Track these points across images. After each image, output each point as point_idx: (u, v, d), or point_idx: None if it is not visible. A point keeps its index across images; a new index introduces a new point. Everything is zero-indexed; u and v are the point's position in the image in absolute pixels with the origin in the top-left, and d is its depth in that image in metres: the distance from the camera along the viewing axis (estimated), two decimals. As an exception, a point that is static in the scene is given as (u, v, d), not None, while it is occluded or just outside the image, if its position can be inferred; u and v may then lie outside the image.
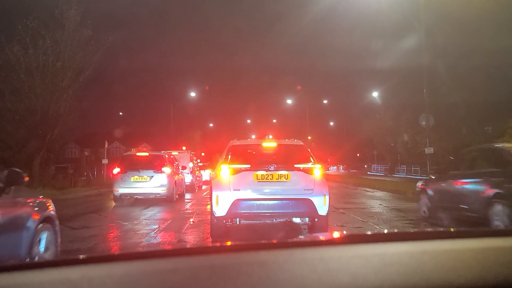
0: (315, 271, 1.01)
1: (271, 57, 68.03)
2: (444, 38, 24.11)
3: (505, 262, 1.09)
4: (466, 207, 6.49)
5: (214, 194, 5.66)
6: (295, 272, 1.01)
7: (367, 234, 1.95)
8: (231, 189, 5.64)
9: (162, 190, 11.67)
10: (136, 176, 11.67)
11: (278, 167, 5.77)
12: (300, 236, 4.88)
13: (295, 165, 5.83)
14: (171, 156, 14.07)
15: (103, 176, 23.70)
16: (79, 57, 19.24)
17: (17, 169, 3.41)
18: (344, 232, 5.75)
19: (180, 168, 14.24)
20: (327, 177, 6.37)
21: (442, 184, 7.49)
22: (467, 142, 24.52)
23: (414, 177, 29.36)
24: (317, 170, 5.83)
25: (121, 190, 11.62)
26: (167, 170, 11.99)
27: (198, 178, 19.45)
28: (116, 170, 12.00)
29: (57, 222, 4.03)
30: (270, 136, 6.79)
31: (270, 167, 5.74)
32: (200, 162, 25.37)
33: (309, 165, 5.87)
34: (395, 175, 38.46)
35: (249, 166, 5.81)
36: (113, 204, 11.76)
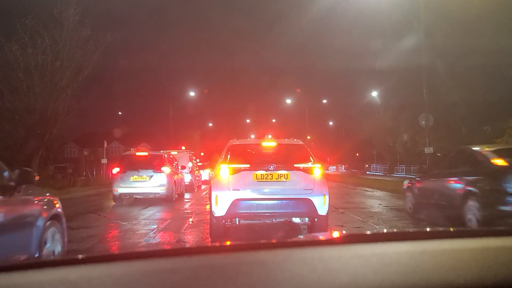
0: (314, 270, 1.01)
1: (271, 57, 68.10)
2: (444, 37, 24.12)
3: (504, 262, 1.09)
4: (444, 203, 7.08)
5: (214, 194, 5.64)
6: (294, 271, 1.01)
7: (366, 234, 1.95)
8: (231, 189, 5.62)
9: (161, 190, 11.68)
10: (135, 176, 11.67)
11: (278, 166, 5.75)
12: (299, 236, 4.88)
13: (295, 165, 5.80)
14: (171, 156, 14.07)
15: (102, 176, 23.70)
16: (78, 56, 19.22)
17: (28, 169, 3.57)
18: (344, 232, 5.75)
19: (179, 167, 14.25)
20: (326, 177, 6.37)
21: (425, 183, 8.19)
22: (467, 141, 24.52)
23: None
24: (317, 170, 5.81)
25: (120, 189, 11.62)
26: (166, 169, 11.99)
27: (197, 178, 19.46)
28: (115, 170, 12.00)
29: (64, 219, 4.17)
30: (270, 136, 6.77)
31: (270, 167, 5.72)
32: (200, 161, 25.37)
33: (309, 164, 5.84)
34: (394, 175, 38.48)
35: (248, 165, 5.79)
36: (112, 204, 11.76)
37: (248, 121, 56.17)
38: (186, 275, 1.02)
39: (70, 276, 1.01)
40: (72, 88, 19.63)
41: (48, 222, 3.77)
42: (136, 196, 11.99)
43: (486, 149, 6.77)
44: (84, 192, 17.65)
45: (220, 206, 5.57)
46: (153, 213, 9.55)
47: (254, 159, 6.07)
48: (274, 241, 1.24)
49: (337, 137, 58.69)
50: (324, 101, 50.96)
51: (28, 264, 1.10)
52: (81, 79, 19.75)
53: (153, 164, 12.03)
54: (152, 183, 11.69)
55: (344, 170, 60.92)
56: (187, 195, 14.72)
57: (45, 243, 3.71)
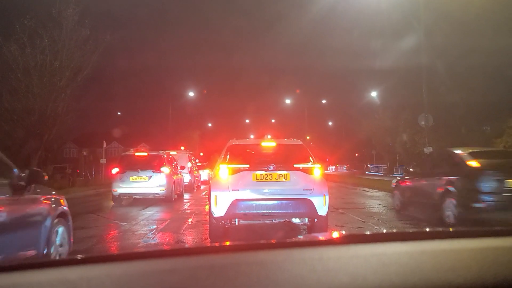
0: (314, 271, 1.01)
1: (271, 57, 68.09)
2: (444, 37, 24.09)
3: (504, 262, 1.09)
4: (426, 201, 7.73)
5: (213, 194, 5.63)
6: (294, 272, 1.01)
7: (366, 234, 1.95)
8: (230, 189, 5.61)
9: (160, 190, 11.67)
10: (134, 176, 11.66)
11: (277, 167, 5.73)
12: (299, 236, 4.88)
13: (295, 165, 5.79)
14: (170, 156, 14.07)
15: (101, 176, 23.67)
16: (77, 56, 19.17)
17: (38, 169, 3.74)
18: (343, 232, 5.75)
19: (178, 168, 14.25)
20: (325, 177, 6.36)
21: (411, 182, 8.94)
22: (466, 141, 24.55)
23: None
24: (317, 170, 5.79)
25: (120, 190, 11.61)
26: (165, 170, 11.98)
27: (196, 178, 19.46)
28: (115, 170, 11.98)
29: (70, 217, 4.29)
30: (269, 136, 6.76)
31: (269, 167, 5.71)
32: (199, 162, 25.38)
33: (309, 165, 5.83)
34: (393, 175, 38.47)
35: (248, 166, 5.78)
36: (112, 204, 11.75)
37: (247, 121, 56.24)
38: (185, 275, 1.01)
39: (69, 276, 1.01)
40: (71, 88, 19.60)
41: (56, 220, 3.90)
42: (135, 196, 11.98)
43: (463, 152, 7.45)
44: (83, 192, 17.62)
45: (219, 206, 5.56)
46: (152, 213, 9.55)
47: (254, 159, 6.06)
48: (273, 241, 1.24)
49: (337, 137, 58.71)
50: (324, 101, 50.97)
51: (27, 264, 1.10)
52: (80, 79, 19.73)
53: (152, 165, 12.03)
54: (151, 183, 11.69)
55: (346, 170, 61.03)
56: (186, 196, 14.72)
57: (53, 240, 3.83)
